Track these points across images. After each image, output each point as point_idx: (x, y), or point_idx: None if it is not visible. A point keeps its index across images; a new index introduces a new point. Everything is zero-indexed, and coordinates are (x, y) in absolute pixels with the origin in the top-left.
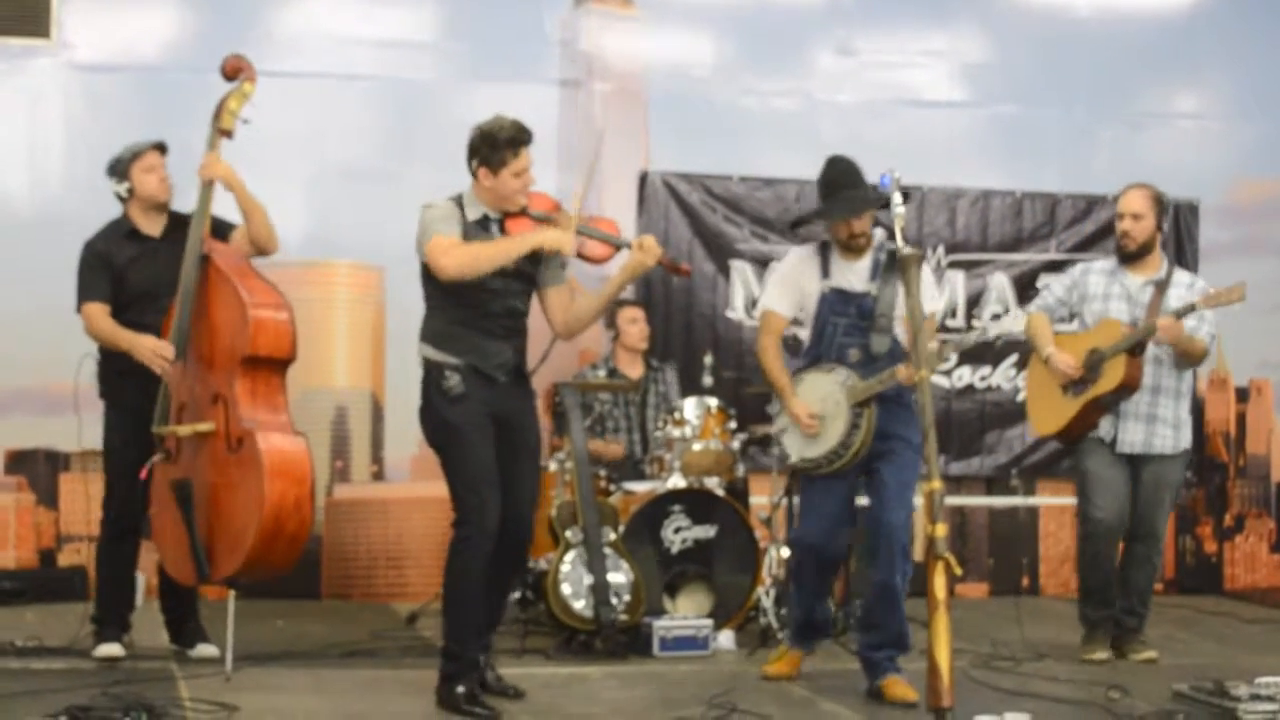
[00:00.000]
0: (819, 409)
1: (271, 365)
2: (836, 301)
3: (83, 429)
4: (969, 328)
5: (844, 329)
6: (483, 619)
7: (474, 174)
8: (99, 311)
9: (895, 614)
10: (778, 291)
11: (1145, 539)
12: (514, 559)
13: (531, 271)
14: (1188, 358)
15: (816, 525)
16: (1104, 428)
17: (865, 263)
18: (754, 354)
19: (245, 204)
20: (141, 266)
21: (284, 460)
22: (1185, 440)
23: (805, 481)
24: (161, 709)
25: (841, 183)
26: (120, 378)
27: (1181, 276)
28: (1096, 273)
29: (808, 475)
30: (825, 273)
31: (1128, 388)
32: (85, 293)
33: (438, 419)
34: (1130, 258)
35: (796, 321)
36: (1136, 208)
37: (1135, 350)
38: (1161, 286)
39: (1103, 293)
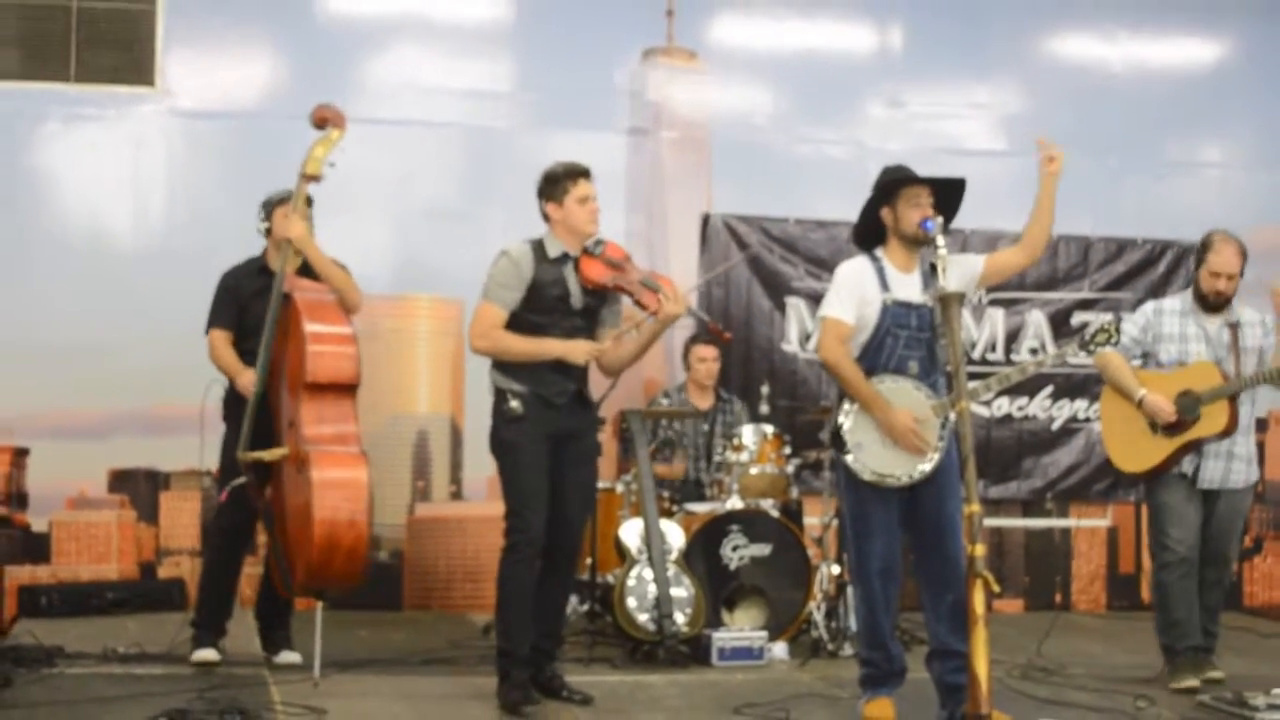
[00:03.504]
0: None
1: (337, 391)
2: (899, 314)
3: (204, 450)
4: (1008, 362)
5: (905, 341)
6: (530, 620)
7: (546, 216)
8: (221, 339)
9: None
10: (840, 300)
11: (1217, 565)
12: (565, 560)
13: (596, 305)
14: None
15: (887, 545)
16: (1185, 464)
17: (916, 275)
18: (818, 367)
19: (319, 267)
20: (263, 300)
21: (334, 479)
22: (1255, 473)
23: (862, 500)
24: (254, 712)
25: (903, 173)
26: (239, 402)
27: (1250, 314)
28: (1169, 313)
29: (871, 491)
30: (884, 285)
31: (1228, 432)
32: (212, 320)
33: (498, 437)
34: (1213, 307)
35: None
36: (1234, 268)
37: (1235, 395)
38: (1235, 327)
39: (1179, 333)
